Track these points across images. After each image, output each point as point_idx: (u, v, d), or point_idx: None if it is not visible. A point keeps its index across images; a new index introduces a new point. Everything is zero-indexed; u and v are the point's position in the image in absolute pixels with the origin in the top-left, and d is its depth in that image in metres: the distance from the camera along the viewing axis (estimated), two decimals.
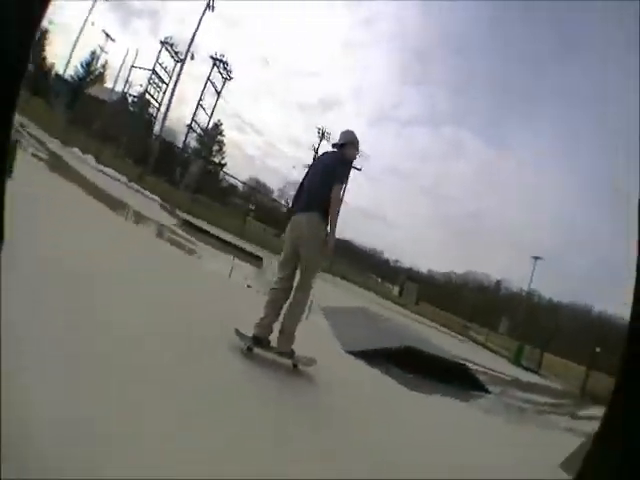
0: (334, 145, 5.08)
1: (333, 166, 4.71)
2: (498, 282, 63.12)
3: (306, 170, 5.19)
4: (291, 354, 4.71)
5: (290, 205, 5.27)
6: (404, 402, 6.12)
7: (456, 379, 8.36)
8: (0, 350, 1.93)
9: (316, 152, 47.55)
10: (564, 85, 77.63)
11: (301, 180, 5.08)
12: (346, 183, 5.06)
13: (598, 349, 21.11)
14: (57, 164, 15.45)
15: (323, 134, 48.16)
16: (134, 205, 13.64)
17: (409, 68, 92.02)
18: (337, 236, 4.81)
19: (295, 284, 4.81)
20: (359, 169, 47.16)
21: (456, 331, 27.13)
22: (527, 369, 20.54)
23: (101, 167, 18.87)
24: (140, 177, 23.31)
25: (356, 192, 56.66)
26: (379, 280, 42.54)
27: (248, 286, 9.89)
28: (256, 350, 4.60)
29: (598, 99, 73.87)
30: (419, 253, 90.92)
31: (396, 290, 39.32)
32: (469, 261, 77.27)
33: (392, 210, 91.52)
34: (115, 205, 11.99)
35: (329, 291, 14.01)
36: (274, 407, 3.70)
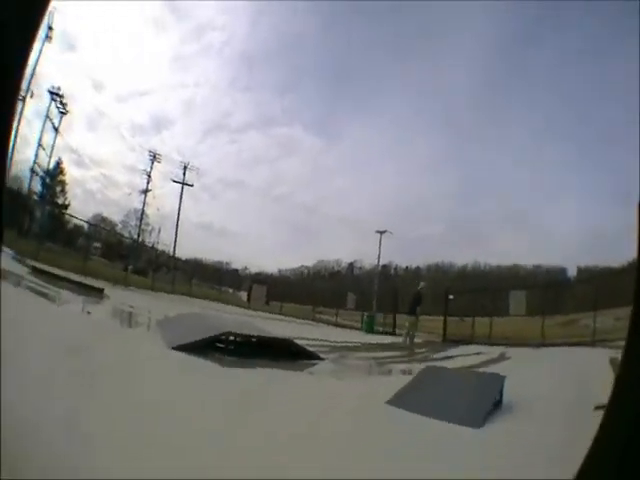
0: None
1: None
2: (351, 264, 65.76)
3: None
4: None
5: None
6: (218, 378, 6.57)
7: (283, 353, 8.46)
8: (0, 354, 2.02)
9: (149, 176, 45.84)
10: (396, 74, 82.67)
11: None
12: None
13: (451, 296, 22.52)
14: None
15: (154, 156, 46.86)
16: None
17: (238, 75, 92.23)
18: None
19: None
20: (191, 185, 46.45)
21: (308, 318, 27.69)
22: (384, 333, 21.65)
23: None
24: None
25: (196, 209, 54.60)
26: (230, 291, 42.01)
27: (88, 312, 10.81)
28: None
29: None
30: (266, 256, 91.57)
31: (245, 296, 39.16)
32: (318, 252, 79.59)
33: (233, 220, 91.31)
34: None
35: (176, 309, 13.68)
36: None
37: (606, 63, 45.84)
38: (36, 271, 14.96)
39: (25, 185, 39.43)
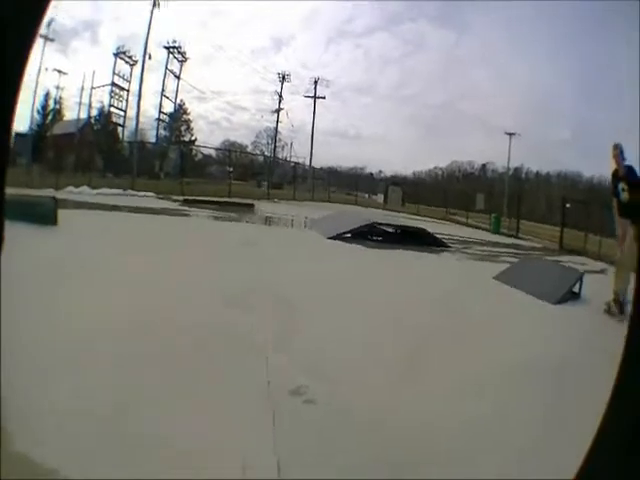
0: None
1: None
2: (483, 165, 64.20)
3: None
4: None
5: None
6: (365, 255, 9.76)
7: (417, 241, 11.30)
8: (0, 350, 1.98)
9: (280, 96, 48.32)
10: None
11: None
12: None
13: (568, 205, 22.39)
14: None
15: (284, 77, 48.10)
16: (138, 203, 15.49)
17: None
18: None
19: None
20: (323, 97, 48.20)
21: (440, 218, 29.54)
22: (508, 235, 23.01)
23: (95, 191, 19.14)
24: (132, 183, 24.66)
25: (327, 118, 56.00)
26: (366, 195, 43.93)
27: (246, 221, 14.82)
28: None
29: None
30: (400, 159, 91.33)
31: (381, 198, 40.81)
32: (451, 152, 77.24)
33: (366, 124, 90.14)
34: (133, 210, 13.75)
35: (320, 213, 16.86)
36: None
37: None
38: (187, 202, 18.00)
39: (152, 135, 44.16)
